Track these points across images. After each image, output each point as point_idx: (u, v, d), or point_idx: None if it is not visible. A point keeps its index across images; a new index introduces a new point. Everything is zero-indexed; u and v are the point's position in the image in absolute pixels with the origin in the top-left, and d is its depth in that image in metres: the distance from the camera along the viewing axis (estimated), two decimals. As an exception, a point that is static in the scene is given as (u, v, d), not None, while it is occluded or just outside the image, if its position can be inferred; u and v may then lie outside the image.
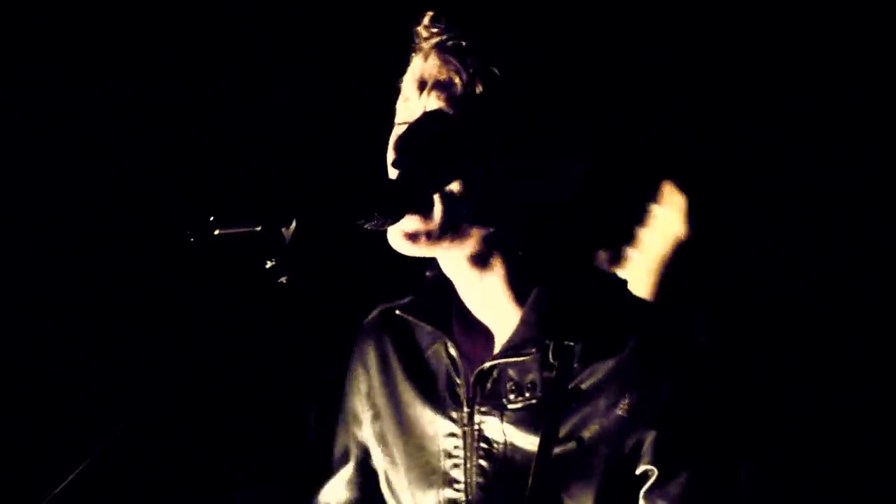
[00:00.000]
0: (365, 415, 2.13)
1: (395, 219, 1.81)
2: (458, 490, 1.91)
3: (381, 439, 2.08)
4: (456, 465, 1.91)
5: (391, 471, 2.06)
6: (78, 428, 2.75)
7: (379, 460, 2.10)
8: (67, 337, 2.84)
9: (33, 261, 2.84)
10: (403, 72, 1.89)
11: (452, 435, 1.93)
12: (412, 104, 1.84)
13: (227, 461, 2.89)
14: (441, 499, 1.93)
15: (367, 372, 2.13)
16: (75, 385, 2.83)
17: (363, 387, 2.13)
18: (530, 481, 1.76)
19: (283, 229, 1.70)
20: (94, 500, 2.58)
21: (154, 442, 2.76)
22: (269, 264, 1.69)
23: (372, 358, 2.12)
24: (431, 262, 2.02)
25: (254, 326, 1.86)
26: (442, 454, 1.93)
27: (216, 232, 1.67)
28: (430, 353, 2.00)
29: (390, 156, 1.81)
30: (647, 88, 2.59)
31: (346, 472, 2.16)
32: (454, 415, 1.93)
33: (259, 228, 1.69)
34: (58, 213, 2.85)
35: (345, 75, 2.90)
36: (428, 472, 1.96)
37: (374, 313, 2.17)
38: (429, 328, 1.99)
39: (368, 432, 2.12)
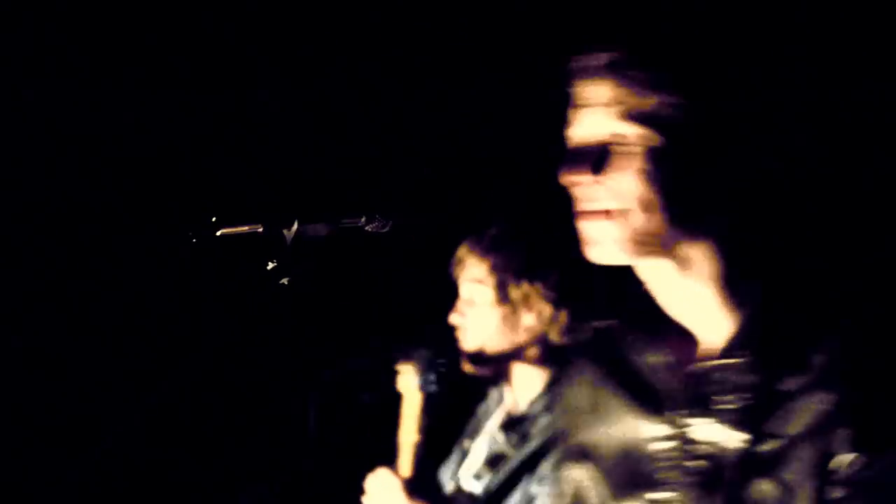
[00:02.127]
0: (584, 427, 2.14)
1: (397, 223, 1.81)
2: (666, 492, 1.93)
3: (585, 453, 2.09)
4: (664, 468, 1.94)
5: (591, 481, 2.08)
6: (79, 428, 2.75)
7: (579, 473, 2.11)
8: (68, 337, 2.84)
9: (34, 261, 2.84)
10: (569, 87, 1.92)
11: (662, 438, 1.94)
12: (584, 126, 1.87)
13: (227, 461, 2.90)
14: (647, 502, 1.95)
15: (584, 384, 2.15)
16: (76, 385, 2.83)
17: (580, 402, 2.16)
18: (737, 478, 1.80)
19: (285, 230, 1.70)
20: (94, 500, 2.60)
21: (154, 442, 2.76)
22: (270, 265, 1.70)
23: (588, 372, 2.14)
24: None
25: (254, 327, 1.87)
26: (650, 458, 1.96)
27: (218, 233, 1.67)
28: (638, 358, 2.02)
29: (569, 179, 1.83)
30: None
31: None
32: (664, 418, 1.94)
33: (261, 229, 1.70)
34: (59, 214, 2.86)
35: (348, 77, 2.91)
36: (634, 477, 1.98)
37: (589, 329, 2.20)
38: (641, 338, 2.02)
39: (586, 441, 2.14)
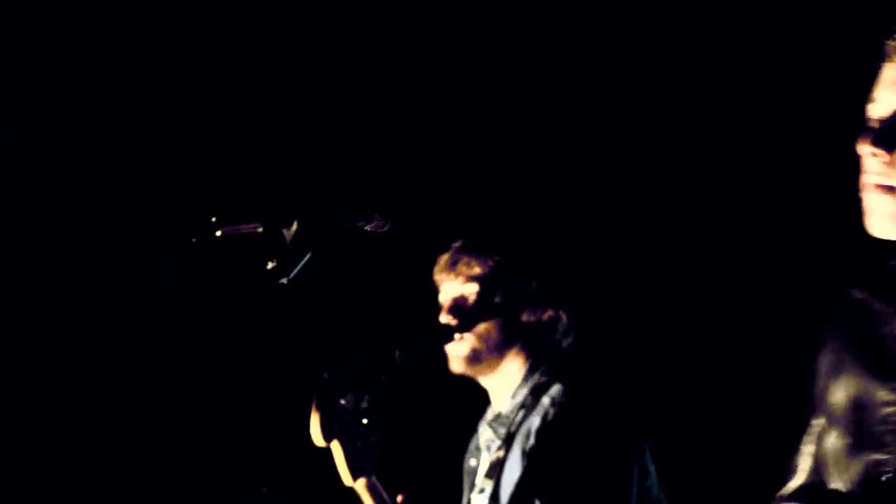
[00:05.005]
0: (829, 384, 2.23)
1: (396, 223, 1.81)
2: (888, 453, 1.99)
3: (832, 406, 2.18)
4: (891, 431, 2.01)
5: (825, 432, 2.15)
6: (77, 429, 2.75)
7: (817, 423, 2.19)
8: (69, 338, 2.84)
9: (34, 262, 2.84)
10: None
11: (890, 403, 2.02)
12: (883, 104, 1.92)
13: (227, 462, 2.90)
14: (868, 460, 2.03)
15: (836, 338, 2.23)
16: (76, 386, 2.83)
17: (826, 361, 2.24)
18: None
19: (284, 230, 1.70)
20: (94, 500, 2.60)
21: (155, 443, 2.76)
22: (270, 265, 1.70)
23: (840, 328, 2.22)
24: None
25: (254, 327, 1.87)
26: (879, 421, 2.03)
27: (218, 233, 1.67)
28: (884, 328, 2.09)
29: (866, 149, 1.89)
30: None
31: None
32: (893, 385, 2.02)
33: (260, 229, 1.70)
34: (59, 214, 2.86)
35: (347, 77, 2.91)
36: (863, 438, 2.05)
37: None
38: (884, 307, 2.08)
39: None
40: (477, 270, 2.47)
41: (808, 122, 2.71)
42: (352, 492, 2.41)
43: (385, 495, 2.38)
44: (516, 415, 2.47)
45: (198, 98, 2.90)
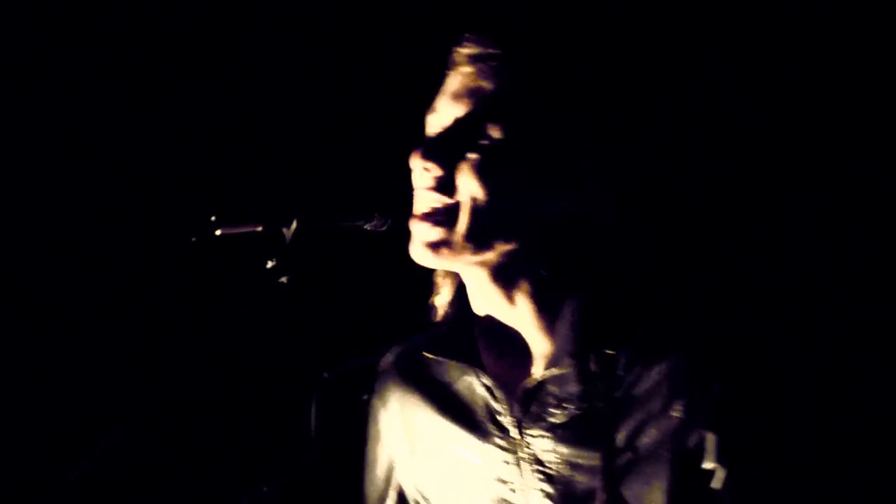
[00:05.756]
0: (399, 457, 2.08)
1: (396, 222, 1.80)
2: None
3: (419, 479, 2.04)
4: (513, 491, 1.87)
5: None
6: (79, 428, 2.75)
7: (415, 499, 2.05)
8: (68, 338, 2.84)
9: (35, 262, 2.84)
10: (436, 90, 1.88)
11: (505, 462, 1.87)
12: (442, 115, 1.83)
13: (227, 461, 2.89)
14: None
15: (393, 415, 2.07)
16: (76, 386, 2.83)
17: (391, 431, 2.08)
18: (598, 495, 1.75)
19: (284, 229, 1.70)
20: (94, 500, 2.59)
21: (155, 443, 2.76)
22: (269, 264, 1.69)
23: (395, 400, 2.06)
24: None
25: (254, 327, 1.86)
26: (496, 483, 1.88)
27: (217, 232, 1.67)
28: (460, 386, 1.95)
29: (418, 163, 1.79)
30: (668, 101, 2.58)
31: None
32: (502, 443, 1.86)
33: (260, 229, 1.70)
34: (58, 214, 2.85)
35: (345, 76, 2.91)
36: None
37: (389, 356, 2.12)
38: (455, 364, 1.95)
39: (403, 474, 2.08)
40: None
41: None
42: (352, 492, 2.41)
43: None
44: None
45: (197, 97, 2.90)
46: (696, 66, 2.59)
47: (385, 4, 2.87)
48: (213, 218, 1.67)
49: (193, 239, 1.66)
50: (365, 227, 1.81)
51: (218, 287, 2.56)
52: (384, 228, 1.85)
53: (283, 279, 1.69)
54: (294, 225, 1.70)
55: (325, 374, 2.41)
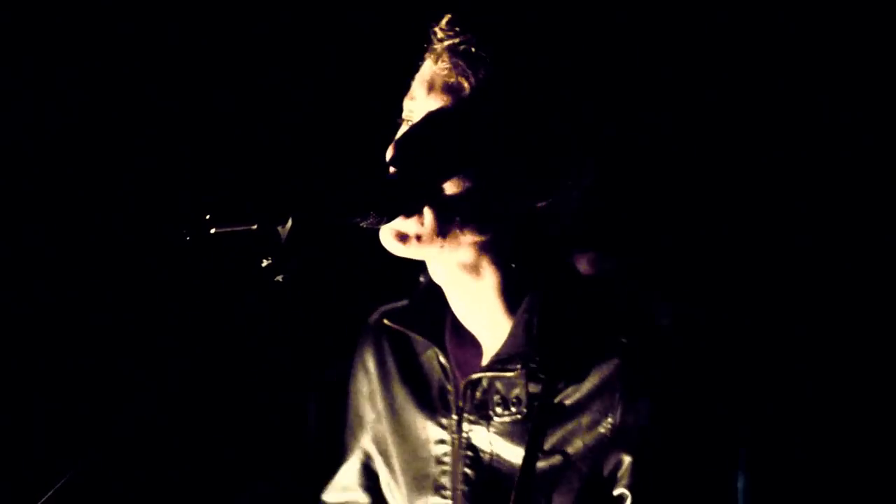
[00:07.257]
0: (368, 417, 2.13)
1: (391, 217, 1.81)
2: (444, 497, 1.92)
3: (381, 442, 2.09)
4: (444, 472, 1.92)
5: (389, 474, 2.06)
6: (79, 427, 2.75)
7: (379, 463, 2.10)
8: (67, 337, 2.84)
9: (32, 261, 2.84)
10: (415, 71, 1.88)
11: (441, 441, 1.93)
12: (417, 103, 1.84)
13: (228, 461, 2.89)
14: None
15: (368, 374, 2.13)
16: (75, 385, 2.83)
17: (365, 388, 2.14)
18: (513, 494, 1.76)
19: (279, 227, 1.69)
20: (94, 500, 2.59)
21: (155, 442, 2.76)
22: (265, 263, 1.69)
23: (372, 360, 2.12)
24: (424, 267, 2.02)
25: (250, 325, 1.86)
26: (432, 460, 1.95)
27: (212, 230, 1.66)
28: (423, 358, 2.01)
29: (389, 153, 1.81)
30: (645, 95, 2.57)
31: (350, 473, 2.16)
32: (444, 421, 1.94)
33: (255, 227, 1.69)
34: (55, 213, 2.85)
35: (340, 72, 2.90)
36: (421, 478, 1.97)
37: (376, 315, 2.17)
38: (419, 338, 1.99)
39: (370, 435, 2.12)
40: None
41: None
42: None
43: None
44: None
45: (191, 95, 2.89)
46: (676, 64, 2.60)
47: (384, 4, 2.87)
48: (207, 216, 1.66)
49: (188, 238, 1.66)
50: (361, 224, 1.81)
51: (213, 286, 2.56)
52: (380, 226, 1.85)
53: (279, 278, 1.68)
54: (289, 223, 1.70)
55: (325, 374, 2.42)
